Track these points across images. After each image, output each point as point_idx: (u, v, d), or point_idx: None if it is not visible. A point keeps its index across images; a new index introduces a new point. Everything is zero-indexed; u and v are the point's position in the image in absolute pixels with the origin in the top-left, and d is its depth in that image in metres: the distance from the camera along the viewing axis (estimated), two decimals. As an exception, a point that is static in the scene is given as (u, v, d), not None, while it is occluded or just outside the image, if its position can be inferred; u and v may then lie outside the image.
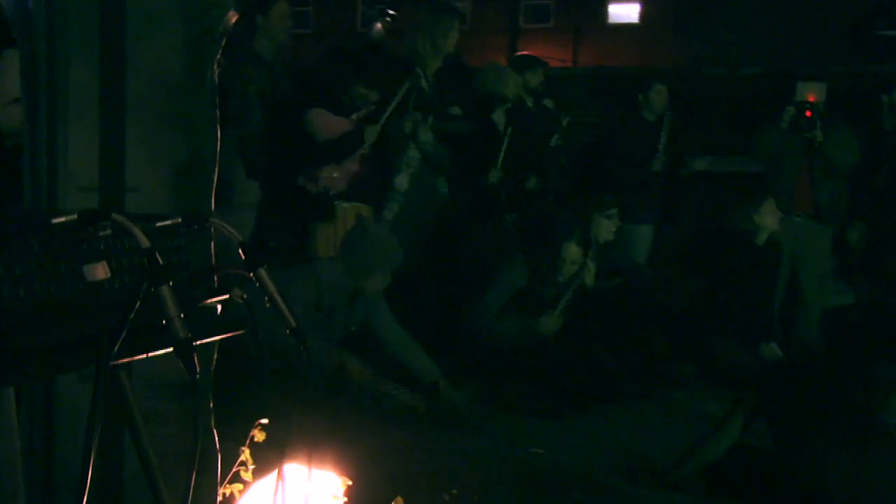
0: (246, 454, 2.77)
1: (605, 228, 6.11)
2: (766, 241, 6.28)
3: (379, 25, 7.41)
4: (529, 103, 6.61)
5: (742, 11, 19.08)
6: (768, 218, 6.22)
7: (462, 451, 4.36)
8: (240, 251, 1.54)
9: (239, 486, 2.75)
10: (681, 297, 6.88)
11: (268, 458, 2.72)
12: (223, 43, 2.21)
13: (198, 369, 1.42)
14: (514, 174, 6.28)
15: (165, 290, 1.39)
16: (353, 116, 5.18)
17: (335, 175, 5.00)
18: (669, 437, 4.65)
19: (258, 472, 2.77)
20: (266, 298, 1.55)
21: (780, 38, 16.52)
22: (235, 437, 2.78)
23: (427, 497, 3.44)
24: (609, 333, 5.82)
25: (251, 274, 1.53)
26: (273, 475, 2.59)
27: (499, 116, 6.28)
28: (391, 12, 7.33)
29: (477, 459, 4.26)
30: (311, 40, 21.46)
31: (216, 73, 2.19)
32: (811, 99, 6.73)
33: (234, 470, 2.70)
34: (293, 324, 1.57)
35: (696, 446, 3.88)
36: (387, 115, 5.32)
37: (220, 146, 3.91)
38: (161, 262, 1.39)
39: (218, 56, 2.20)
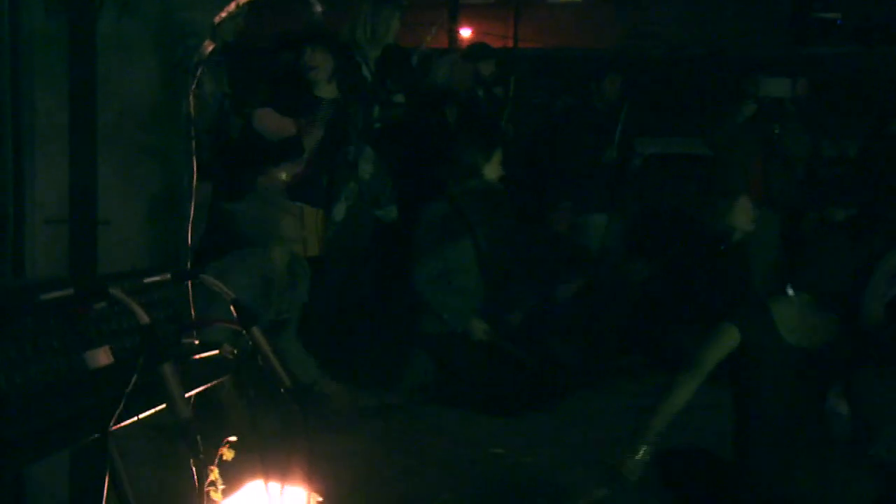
0: (215, 473, 2.72)
1: (559, 221, 6.12)
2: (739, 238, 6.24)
3: (318, 8, 7.27)
4: (480, 93, 6.57)
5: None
6: (742, 217, 6.17)
7: (423, 454, 4.35)
8: (232, 308, 1.49)
9: (208, 507, 2.69)
10: (631, 286, 6.93)
11: (237, 476, 2.68)
12: (198, 73, 2.13)
13: (200, 449, 1.36)
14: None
15: (167, 369, 1.34)
16: (301, 120, 5.12)
17: (283, 177, 4.96)
18: (623, 430, 4.68)
19: (227, 492, 2.73)
20: (259, 357, 1.50)
21: (720, 21, 16.66)
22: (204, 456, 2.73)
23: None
24: (562, 327, 5.84)
25: (244, 331, 1.48)
26: (242, 493, 2.56)
27: (450, 108, 6.25)
28: None
29: (443, 464, 4.27)
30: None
31: (192, 104, 2.11)
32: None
33: (204, 490, 2.65)
34: (287, 383, 1.53)
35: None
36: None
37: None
38: (160, 338, 1.33)
39: (193, 87, 2.12)
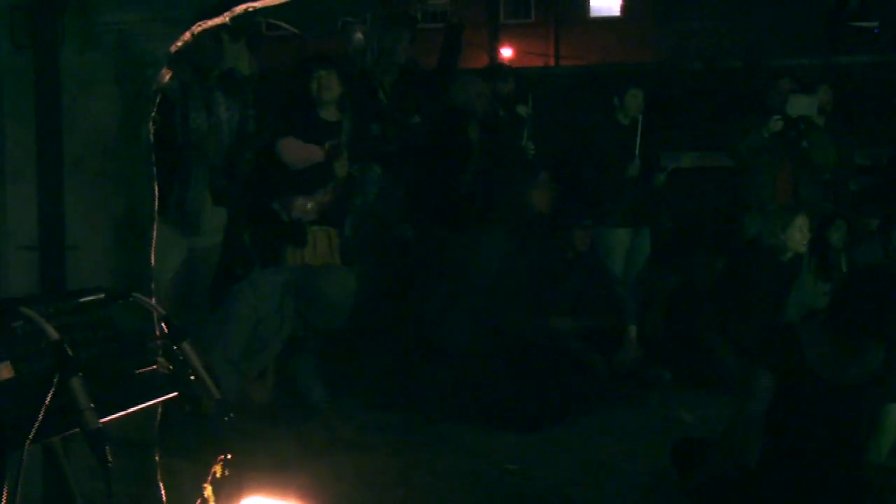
0: (208, 491, 2.79)
1: (580, 239, 6.15)
2: (790, 258, 6.18)
3: (360, 35, 7.37)
4: (501, 112, 6.63)
5: (722, 3, 19.10)
6: (797, 236, 6.09)
7: (434, 471, 4.39)
8: (162, 325, 1.56)
9: (202, 524, 2.76)
10: (658, 299, 6.92)
11: (230, 493, 2.74)
12: (157, 101, 2.22)
13: (109, 459, 1.43)
14: (488, 183, 6.30)
15: (75, 383, 1.41)
16: (326, 145, 5.20)
17: (308, 206, 5.04)
18: (644, 444, 4.68)
19: (222, 510, 2.79)
20: (190, 371, 1.56)
21: (758, 31, 16.54)
22: (197, 474, 2.81)
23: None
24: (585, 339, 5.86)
25: (175, 347, 1.55)
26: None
27: (472, 128, 6.30)
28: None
29: (459, 480, 4.30)
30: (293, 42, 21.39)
31: (151, 131, 2.20)
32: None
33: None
34: (217, 395, 1.59)
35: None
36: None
37: (190, 178, 3.89)
38: (70, 353, 1.40)
39: (153, 114, 2.21)
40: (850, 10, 12.33)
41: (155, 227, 2.20)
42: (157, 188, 2.41)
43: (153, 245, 2.23)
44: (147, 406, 1.73)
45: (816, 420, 3.15)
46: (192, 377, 1.56)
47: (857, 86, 9.88)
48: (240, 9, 2.27)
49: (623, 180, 6.77)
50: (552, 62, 21.72)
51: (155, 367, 1.61)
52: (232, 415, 1.62)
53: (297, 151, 5.12)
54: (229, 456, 2.78)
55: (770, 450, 3.22)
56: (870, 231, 7.48)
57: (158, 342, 1.56)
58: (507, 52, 22.84)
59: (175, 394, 1.72)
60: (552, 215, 6.26)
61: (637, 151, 6.80)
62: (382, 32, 5.87)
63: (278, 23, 4.30)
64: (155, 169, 2.20)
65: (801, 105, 6.73)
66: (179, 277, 4.59)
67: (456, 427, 4.96)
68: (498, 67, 6.95)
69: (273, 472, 3.56)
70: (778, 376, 3.13)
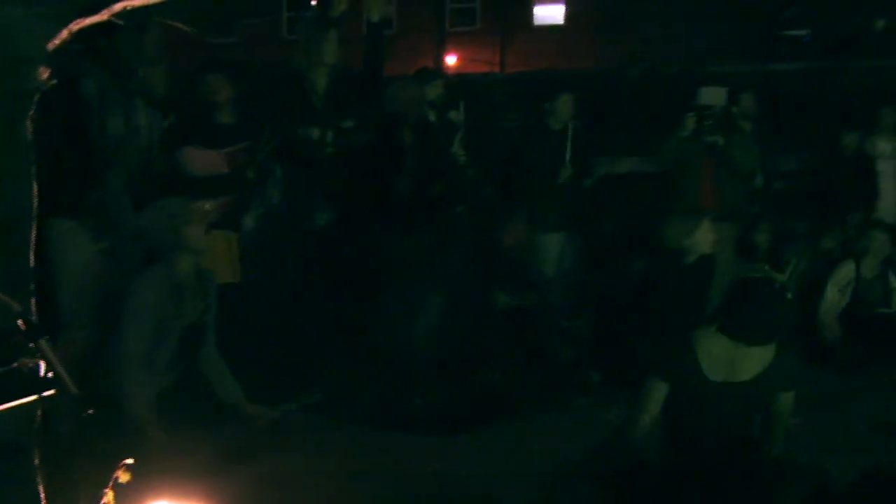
0: (109, 497, 2.76)
1: (511, 244, 6.18)
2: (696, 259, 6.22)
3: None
4: (432, 117, 6.64)
5: (663, 11, 19.33)
6: (703, 239, 6.16)
7: (356, 474, 4.38)
8: (20, 323, 1.55)
9: (104, 531, 2.73)
10: (589, 303, 6.98)
11: (133, 499, 2.72)
12: (37, 98, 2.20)
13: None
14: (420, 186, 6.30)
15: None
16: (226, 151, 5.19)
17: (207, 207, 5.02)
18: (574, 446, 4.71)
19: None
20: (48, 368, 1.55)
21: (698, 39, 16.79)
22: (99, 480, 2.78)
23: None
24: (513, 344, 5.89)
25: (33, 344, 1.54)
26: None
27: (406, 132, 6.30)
28: None
29: (379, 481, 4.30)
30: (237, 49, 21.29)
31: (30, 128, 2.17)
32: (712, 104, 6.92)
33: (97, 514, 2.69)
34: (74, 390, 1.58)
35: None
36: (261, 156, 5.36)
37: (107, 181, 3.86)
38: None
39: (31, 112, 2.19)
40: (784, 19, 12.59)
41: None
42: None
43: (32, 243, 2.21)
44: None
45: (711, 418, 3.25)
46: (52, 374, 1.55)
47: (791, 92, 10.08)
48: (118, 6, 2.25)
49: (554, 185, 6.82)
50: (497, 69, 21.81)
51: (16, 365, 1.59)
52: (91, 411, 1.60)
53: (198, 160, 5.11)
54: (131, 461, 2.77)
55: (668, 445, 3.29)
56: (797, 234, 7.64)
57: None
58: (452, 60, 22.92)
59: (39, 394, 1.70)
60: (482, 219, 6.29)
61: (568, 156, 6.87)
62: (308, 34, 5.85)
63: (174, 23, 4.28)
64: (35, 168, 2.18)
65: (711, 95, 6.90)
66: (94, 279, 4.56)
67: (379, 429, 4.95)
68: (425, 72, 6.93)
69: (187, 477, 3.54)
70: (673, 382, 3.22)
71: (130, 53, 4.59)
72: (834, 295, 6.86)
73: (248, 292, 5.27)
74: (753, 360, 3.20)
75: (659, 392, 3.28)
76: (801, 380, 3.33)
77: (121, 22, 4.52)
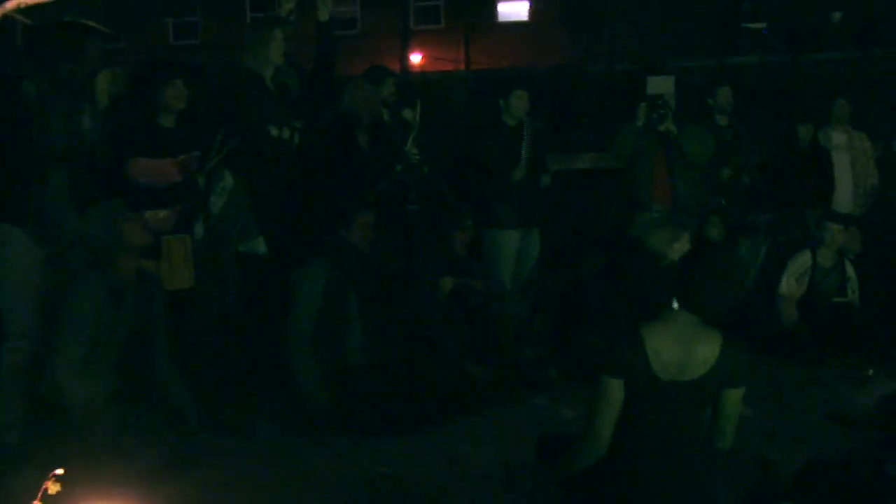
0: (38, 508, 2.70)
1: (460, 242, 6.16)
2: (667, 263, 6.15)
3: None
4: (385, 116, 6.60)
5: (627, 6, 19.40)
6: (679, 249, 6.12)
7: (305, 478, 4.35)
8: None
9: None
10: (547, 300, 6.98)
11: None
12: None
13: None
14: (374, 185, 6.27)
15: None
16: (179, 158, 5.12)
17: (161, 216, 4.95)
18: (527, 444, 4.68)
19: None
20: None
21: (660, 34, 16.87)
22: (27, 491, 2.73)
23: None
24: (468, 342, 5.86)
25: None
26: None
27: (361, 132, 6.27)
28: None
29: (331, 485, 4.27)
30: (199, 51, 21.19)
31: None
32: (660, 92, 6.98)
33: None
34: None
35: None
36: (213, 163, 5.31)
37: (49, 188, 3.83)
38: None
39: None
40: (742, 12, 12.68)
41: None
42: (4, 193, 2.26)
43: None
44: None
45: (662, 416, 3.23)
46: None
47: (749, 85, 10.12)
48: (10, 5, 2.19)
49: (509, 182, 6.81)
50: (462, 66, 21.82)
51: None
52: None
53: (148, 170, 5.04)
54: (61, 471, 2.72)
55: (621, 443, 3.27)
56: (754, 227, 7.67)
57: None
58: (417, 58, 22.91)
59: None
60: (438, 217, 6.26)
61: (524, 153, 6.86)
62: (254, 34, 5.80)
63: (88, 22, 4.22)
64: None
65: (659, 85, 6.96)
66: (37, 286, 4.49)
67: (329, 432, 4.91)
68: (378, 69, 6.88)
69: (129, 483, 3.50)
70: (625, 380, 3.20)
71: (74, 55, 4.52)
72: (791, 284, 6.90)
73: (198, 298, 5.20)
74: (701, 358, 3.19)
75: (612, 388, 3.22)
76: (750, 376, 3.29)
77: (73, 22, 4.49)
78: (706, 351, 3.18)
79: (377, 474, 4.37)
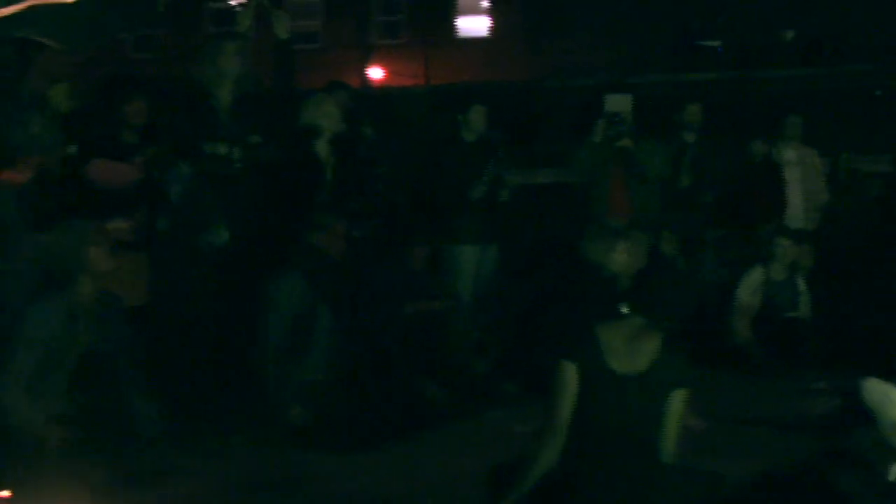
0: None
1: (418, 257, 6.20)
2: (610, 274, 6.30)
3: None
4: (343, 129, 6.60)
5: (585, 23, 19.60)
6: (619, 258, 6.27)
7: (272, 492, 4.34)
8: None
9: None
10: (505, 315, 7.01)
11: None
12: None
13: None
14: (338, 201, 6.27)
15: None
16: (137, 160, 5.10)
17: (123, 226, 4.92)
18: (485, 459, 4.70)
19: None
20: None
21: (619, 51, 17.07)
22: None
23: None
24: (427, 358, 5.88)
25: None
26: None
27: (321, 146, 6.28)
28: None
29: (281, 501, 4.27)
30: (158, 64, 21.07)
31: None
32: (617, 109, 7.09)
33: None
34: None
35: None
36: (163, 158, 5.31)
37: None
38: None
39: None
40: (696, 30, 12.89)
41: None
42: None
43: None
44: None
45: (612, 414, 3.35)
46: None
47: (704, 101, 10.29)
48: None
49: (468, 197, 6.85)
50: (422, 82, 21.87)
51: None
52: None
53: (108, 172, 5.01)
54: (7, 493, 2.70)
55: (575, 446, 3.36)
56: (706, 242, 7.78)
57: None
58: (378, 73, 22.93)
59: None
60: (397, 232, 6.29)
61: (483, 168, 6.91)
62: (210, 47, 5.80)
63: (42, 39, 4.22)
64: None
65: (617, 103, 7.08)
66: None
67: (292, 449, 4.91)
68: (334, 85, 6.91)
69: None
70: (580, 367, 3.35)
71: (22, 68, 4.50)
72: (744, 299, 7.00)
73: (153, 313, 5.18)
74: (645, 351, 3.37)
75: (571, 376, 3.36)
76: (691, 379, 3.43)
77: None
78: (650, 345, 3.37)
79: (336, 490, 4.37)
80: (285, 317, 5.17)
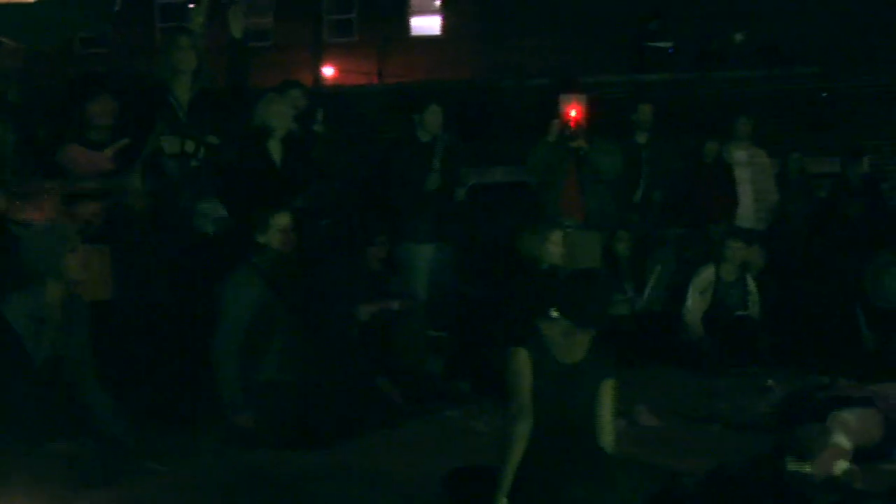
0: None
1: (374, 257, 6.19)
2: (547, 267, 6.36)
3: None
4: (294, 130, 6.57)
5: (539, 22, 19.69)
6: (553, 248, 6.32)
7: (227, 491, 4.32)
8: None
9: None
10: (461, 312, 7.04)
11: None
12: None
13: None
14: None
15: None
16: (107, 151, 5.04)
17: (90, 209, 4.85)
18: (441, 457, 4.72)
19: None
20: None
21: (572, 50, 17.17)
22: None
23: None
24: (381, 357, 5.88)
25: None
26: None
27: (273, 146, 6.24)
28: None
29: (244, 500, 4.24)
30: (108, 60, 20.78)
31: None
32: (572, 110, 7.11)
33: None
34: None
35: None
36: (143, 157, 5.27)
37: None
38: None
39: None
40: (649, 31, 13.01)
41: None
42: None
43: None
44: None
45: (555, 398, 3.60)
46: None
47: (658, 102, 10.40)
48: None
49: (423, 196, 6.86)
50: (375, 80, 21.82)
51: None
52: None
53: (80, 159, 4.94)
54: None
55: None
56: (663, 242, 7.87)
57: None
58: (330, 71, 22.82)
59: None
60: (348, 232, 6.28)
61: (437, 167, 6.92)
62: (164, 45, 5.76)
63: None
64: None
65: (570, 102, 7.12)
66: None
67: (246, 447, 4.87)
68: (287, 84, 6.88)
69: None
70: (531, 360, 3.61)
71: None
72: (695, 298, 7.10)
73: (118, 309, 5.12)
74: (579, 342, 3.68)
75: (524, 359, 3.61)
76: (615, 370, 3.73)
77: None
78: (582, 338, 3.70)
79: (292, 488, 4.34)
80: (240, 317, 5.12)
